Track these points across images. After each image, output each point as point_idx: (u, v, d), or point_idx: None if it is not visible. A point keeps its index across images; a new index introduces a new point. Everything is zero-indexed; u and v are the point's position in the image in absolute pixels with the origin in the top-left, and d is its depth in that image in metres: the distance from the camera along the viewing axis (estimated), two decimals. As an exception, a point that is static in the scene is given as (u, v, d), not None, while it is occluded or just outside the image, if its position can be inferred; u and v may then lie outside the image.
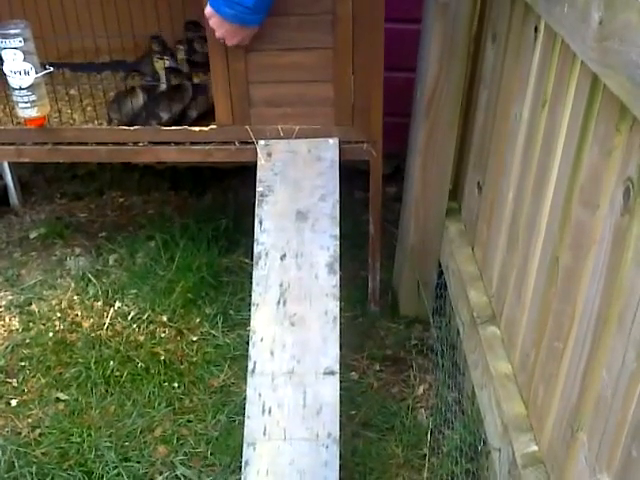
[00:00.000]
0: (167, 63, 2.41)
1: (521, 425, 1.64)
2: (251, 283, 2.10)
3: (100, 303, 2.64)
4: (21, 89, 2.21)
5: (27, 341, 2.48)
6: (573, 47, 1.37)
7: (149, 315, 2.57)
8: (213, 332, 2.51)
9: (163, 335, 2.51)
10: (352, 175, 2.46)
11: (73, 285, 2.74)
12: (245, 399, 1.93)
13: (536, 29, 1.65)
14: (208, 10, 1.96)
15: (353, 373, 2.38)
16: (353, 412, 2.22)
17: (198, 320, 2.56)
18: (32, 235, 3.04)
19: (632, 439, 1.14)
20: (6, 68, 2.19)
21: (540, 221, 1.61)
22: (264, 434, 1.87)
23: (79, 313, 2.60)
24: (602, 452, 1.25)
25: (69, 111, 2.46)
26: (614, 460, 1.20)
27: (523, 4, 1.73)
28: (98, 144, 2.37)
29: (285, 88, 2.20)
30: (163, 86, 2.41)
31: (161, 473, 2.05)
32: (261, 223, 2.17)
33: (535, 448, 1.58)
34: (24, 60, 2.17)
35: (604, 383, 1.25)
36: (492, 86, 2.03)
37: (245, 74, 2.16)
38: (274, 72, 2.17)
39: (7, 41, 2.14)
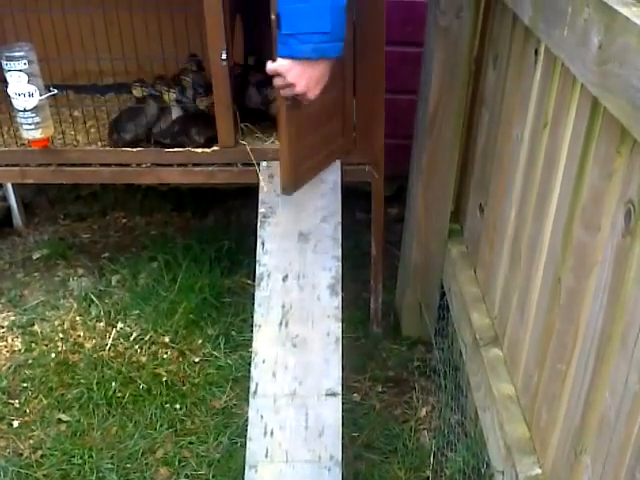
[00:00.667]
0: (174, 95, 2.41)
1: (524, 447, 1.63)
2: (253, 304, 2.10)
3: (102, 324, 2.64)
4: (25, 111, 2.23)
5: (29, 362, 2.48)
6: (573, 70, 1.38)
7: (151, 336, 2.57)
8: (215, 353, 2.50)
9: (165, 356, 2.50)
10: (354, 196, 2.48)
11: (76, 306, 2.74)
12: (247, 421, 1.93)
13: (536, 52, 1.67)
14: (281, 64, 1.68)
15: (355, 395, 2.37)
16: (355, 434, 2.21)
17: (200, 341, 2.56)
18: (35, 256, 3.05)
19: (636, 461, 1.14)
20: (10, 90, 2.21)
21: (542, 242, 1.61)
22: (266, 456, 1.86)
23: (81, 334, 2.60)
24: (606, 475, 1.24)
25: (73, 133, 2.48)
26: (618, 483, 1.20)
27: (523, 27, 1.74)
28: (101, 165, 2.39)
29: (311, 139, 2.08)
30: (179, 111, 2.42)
31: (162, 495, 2.05)
32: (263, 244, 2.17)
33: (539, 471, 1.57)
34: (28, 82, 2.19)
35: (607, 404, 1.24)
36: (493, 108, 2.04)
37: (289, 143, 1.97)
38: (304, 126, 2.01)
39: (12, 63, 2.16)
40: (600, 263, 1.30)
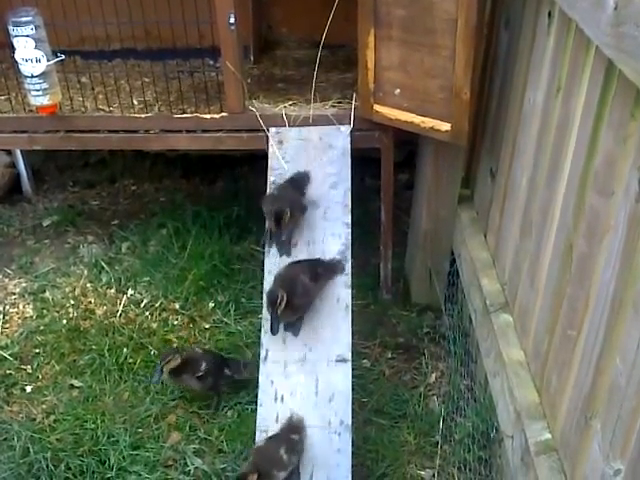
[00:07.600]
0: None
1: (534, 413, 1.64)
2: (262, 271, 2.10)
3: (113, 290, 2.65)
4: (33, 77, 2.22)
5: (41, 328, 2.50)
6: (588, 32, 1.36)
7: (162, 302, 2.58)
8: (225, 320, 2.51)
9: (176, 322, 2.52)
10: (363, 162, 2.46)
11: (86, 272, 2.75)
12: (257, 387, 1.94)
13: (550, 14, 1.64)
14: None
15: (365, 361, 2.38)
16: (365, 399, 2.22)
17: (210, 308, 2.57)
18: (45, 223, 3.06)
19: (646, 427, 1.14)
20: (18, 56, 2.19)
21: (554, 208, 1.60)
22: (276, 421, 1.88)
23: (92, 300, 2.61)
24: (616, 440, 1.25)
25: (80, 99, 2.46)
26: (628, 447, 1.20)
27: (537, -11, 1.71)
28: (110, 132, 2.38)
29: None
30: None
31: (174, 460, 2.06)
32: (273, 211, 2.16)
33: (548, 436, 1.57)
34: (35, 48, 2.17)
35: (618, 370, 1.24)
36: (505, 71, 2.01)
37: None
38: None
39: (19, 29, 2.15)
40: (613, 229, 1.29)
